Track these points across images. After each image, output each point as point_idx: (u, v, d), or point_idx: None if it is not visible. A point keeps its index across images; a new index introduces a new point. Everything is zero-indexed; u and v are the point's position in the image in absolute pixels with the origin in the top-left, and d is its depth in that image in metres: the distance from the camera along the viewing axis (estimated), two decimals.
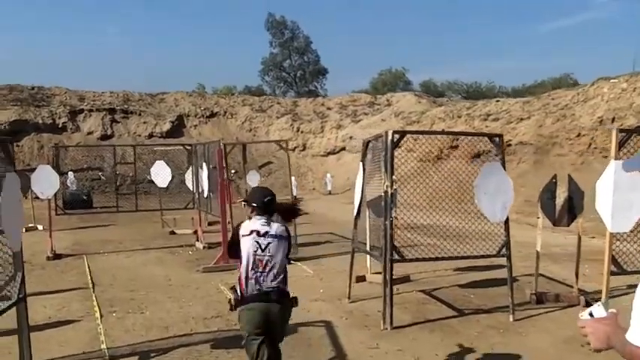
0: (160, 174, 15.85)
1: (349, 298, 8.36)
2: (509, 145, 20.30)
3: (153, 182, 19.06)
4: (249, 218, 4.58)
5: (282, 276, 4.43)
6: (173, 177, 16.43)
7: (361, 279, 9.50)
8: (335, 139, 33.13)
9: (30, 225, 16.50)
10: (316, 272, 10.64)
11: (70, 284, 9.86)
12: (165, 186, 15.94)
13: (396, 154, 7.01)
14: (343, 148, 32.40)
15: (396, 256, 6.95)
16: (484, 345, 6.36)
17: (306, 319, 7.42)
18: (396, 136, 6.91)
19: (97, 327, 7.22)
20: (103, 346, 6.42)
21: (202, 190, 13.04)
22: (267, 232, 4.42)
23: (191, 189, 15.06)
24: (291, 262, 11.53)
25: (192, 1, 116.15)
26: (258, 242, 4.37)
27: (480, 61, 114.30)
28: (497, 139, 7.59)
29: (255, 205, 4.53)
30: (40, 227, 15.86)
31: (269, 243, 4.38)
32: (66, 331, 7.11)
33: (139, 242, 14.62)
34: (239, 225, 4.58)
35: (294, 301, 4.60)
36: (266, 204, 4.51)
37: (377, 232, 7.70)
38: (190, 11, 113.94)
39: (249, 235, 4.39)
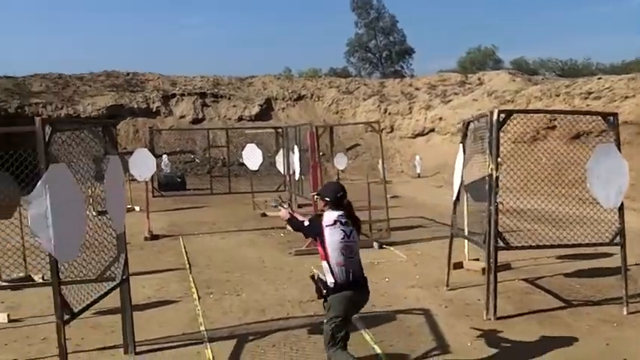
0: (252, 157, 15.97)
1: (447, 285, 8.04)
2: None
3: (243, 165, 19.38)
4: (322, 212, 4.85)
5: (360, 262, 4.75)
6: (263, 160, 16.53)
7: (458, 265, 9.14)
8: (424, 120, 32.41)
9: (128, 206, 17.11)
10: (410, 257, 10.37)
11: (167, 265, 10.08)
12: (256, 169, 16.07)
13: None
14: (432, 130, 31.64)
15: (501, 243, 6.57)
16: (598, 340, 5.90)
17: (405, 307, 7.21)
18: (502, 115, 6.50)
19: (196, 308, 7.29)
20: (202, 328, 6.47)
21: (293, 173, 13.03)
22: (347, 222, 4.67)
23: (281, 171, 15.11)
24: (384, 246, 11.34)
25: None
26: (344, 230, 4.60)
27: (573, 38, 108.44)
28: (611, 118, 7.01)
29: (328, 199, 4.76)
30: (137, 208, 16.40)
31: (351, 230, 4.65)
32: (165, 312, 7.22)
33: (232, 224, 14.82)
34: (320, 216, 4.83)
35: None
36: (339, 199, 4.74)
37: (475, 217, 7.35)
38: None
39: (334, 225, 4.61)
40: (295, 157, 12.47)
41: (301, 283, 8.40)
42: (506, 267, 9.06)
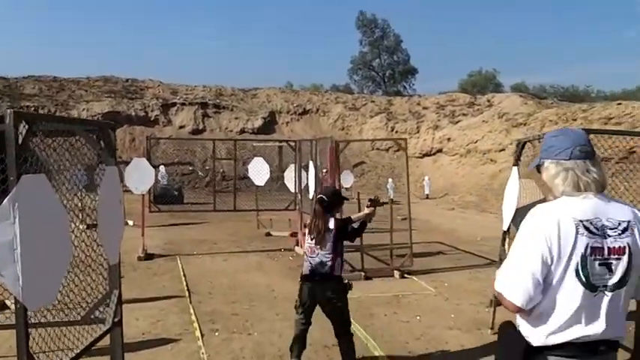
0: (258, 172, 14.81)
1: (492, 328, 6.90)
2: (633, 152, 18.06)
3: (244, 179, 18.20)
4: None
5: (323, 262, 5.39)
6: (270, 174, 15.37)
7: (497, 302, 8.02)
8: (431, 140, 31.37)
9: None
10: (438, 290, 9.23)
11: (164, 290, 8.90)
12: (263, 184, 14.89)
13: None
14: (440, 150, 30.59)
15: None
16: None
17: (449, 353, 6.08)
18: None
19: (199, 351, 6.12)
20: None
21: (305, 190, 11.89)
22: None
23: (290, 189, 13.94)
24: (405, 275, 10.17)
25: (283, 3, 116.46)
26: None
27: (573, 65, 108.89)
28: None
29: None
30: (130, 223, 15.03)
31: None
32: (163, 354, 6.05)
33: (235, 244, 13.65)
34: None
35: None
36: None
37: None
38: (281, 12, 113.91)
39: None
40: (310, 174, 11.33)
41: (321, 321, 7.20)
42: None
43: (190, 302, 8.18)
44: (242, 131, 34.14)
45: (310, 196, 11.48)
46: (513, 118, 26.65)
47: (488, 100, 34.23)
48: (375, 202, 5.75)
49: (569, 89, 66.36)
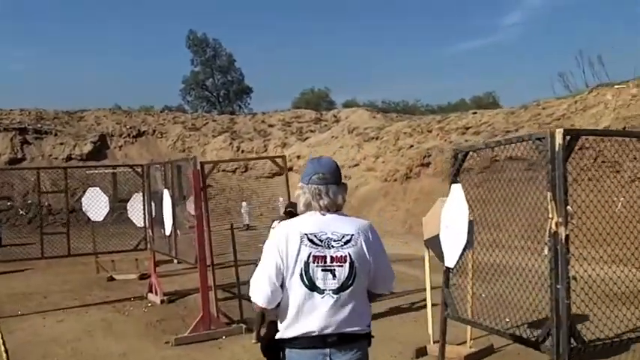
0: (94, 204, 12.24)
1: None
2: (496, 160, 18.01)
3: (74, 212, 15.39)
4: None
5: None
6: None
7: (422, 352, 6.62)
8: None
9: None
10: None
11: None
12: (101, 219, 12.32)
13: None
14: (290, 169, 29.32)
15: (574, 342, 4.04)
16: None
17: None
18: (568, 137, 4.05)
19: None
20: None
21: (161, 225, 9.74)
22: None
23: (137, 223, 11.56)
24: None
25: (105, 16, 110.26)
26: None
27: (400, 82, 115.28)
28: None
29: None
30: None
31: None
32: None
33: (71, 295, 11.08)
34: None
35: None
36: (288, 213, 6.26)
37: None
38: (103, 29, 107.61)
39: None
40: (166, 205, 9.21)
41: None
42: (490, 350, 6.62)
43: None
44: (69, 158, 30.33)
45: (166, 232, 9.36)
46: (364, 132, 26.11)
47: (335, 116, 33.67)
48: None
49: (399, 104, 69.65)
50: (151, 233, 10.65)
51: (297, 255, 2.63)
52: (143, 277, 12.66)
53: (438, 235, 5.87)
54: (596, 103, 16.04)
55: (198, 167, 8.10)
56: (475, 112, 20.40)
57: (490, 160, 17.83)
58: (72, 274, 13.13)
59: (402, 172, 21.92)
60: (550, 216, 4.01)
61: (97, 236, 13.23)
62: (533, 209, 5.50)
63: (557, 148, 4.00)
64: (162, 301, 10.10)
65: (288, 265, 2.63)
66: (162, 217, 9.71)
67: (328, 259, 2.63)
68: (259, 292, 2.70)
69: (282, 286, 2.66)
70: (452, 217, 5.12)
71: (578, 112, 16.28)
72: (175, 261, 11.08)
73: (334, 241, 2.66)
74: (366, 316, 2.80)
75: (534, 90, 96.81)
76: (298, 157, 29.02)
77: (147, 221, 10.77)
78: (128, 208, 12.00)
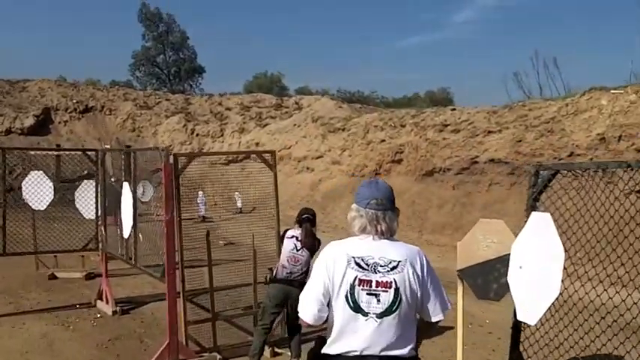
0: (37, 191, 10.54)
1: None
2: (476, 162, 17.05)
3: (11, 191, 13.54)
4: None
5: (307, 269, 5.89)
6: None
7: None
8: (238, 144, 28.31)
9: None
10: None
11: None
12: (44, 208, 10.63)
13: None
14: (248, 157, 27.77)
15: None
16: None
17: None
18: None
19: None
20: None
21: (119, 224, 8.24)
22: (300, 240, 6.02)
23: (85, 215, 9.96)
24: (278, 351, 7.12)
25: None
26: (295, 245, 6.00)
27: (353, 72, 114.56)
28: None
29: (297, 218, 6.16)
30: None
31: (302, 247, 5.98)
32: None
33: (5, 298, 9.48)
34: (286, 230, 6.25)
35: None
36: (301, 220, 6.09)
37: None
38: None
39: (291, 238, 6.05)
40: (125, 201, 7.72)
41: None
42: None
43: None
44: (8, 131, 27.87)
45: (125, 234, 7.87)
46: (329, 122, 24.76)
47: (297, 103, 32.15)
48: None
49: (354, 94, 68.60)
50: (103, 232, 9.11)
51: (343, 277, 2.67)
52: (90, 276, 11.11)
53: (477, 265, 4.85)
54: (588, 108, 15.19)
55: (171, 160, 6.62)
56: (454, 109, 19.33)
57: (470, 161, 16.81)
58: (6, 268, 11.25)
59: (371, 167, 20.77)
60: None
61: (37, 220, 11.49)
62: None
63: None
64: (114, 312, 8.59)
65: (334, 285, 2.68)
66: (118, 212, 8.25)
67: (374, 284, 2.67)
68: (307, 310, 2.75)
69: (330, 304, 2.71)
70: (533, 258, 3.89)
71: (569, 116, 15.41)
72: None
73: (381, 266, 2.69)
74: (410, 341, 2.75)
75: (487, 90, 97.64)
76: (257, 144, 27.49)
77: (99, 217, 9.22)
78: (76, 196, 10.33)
